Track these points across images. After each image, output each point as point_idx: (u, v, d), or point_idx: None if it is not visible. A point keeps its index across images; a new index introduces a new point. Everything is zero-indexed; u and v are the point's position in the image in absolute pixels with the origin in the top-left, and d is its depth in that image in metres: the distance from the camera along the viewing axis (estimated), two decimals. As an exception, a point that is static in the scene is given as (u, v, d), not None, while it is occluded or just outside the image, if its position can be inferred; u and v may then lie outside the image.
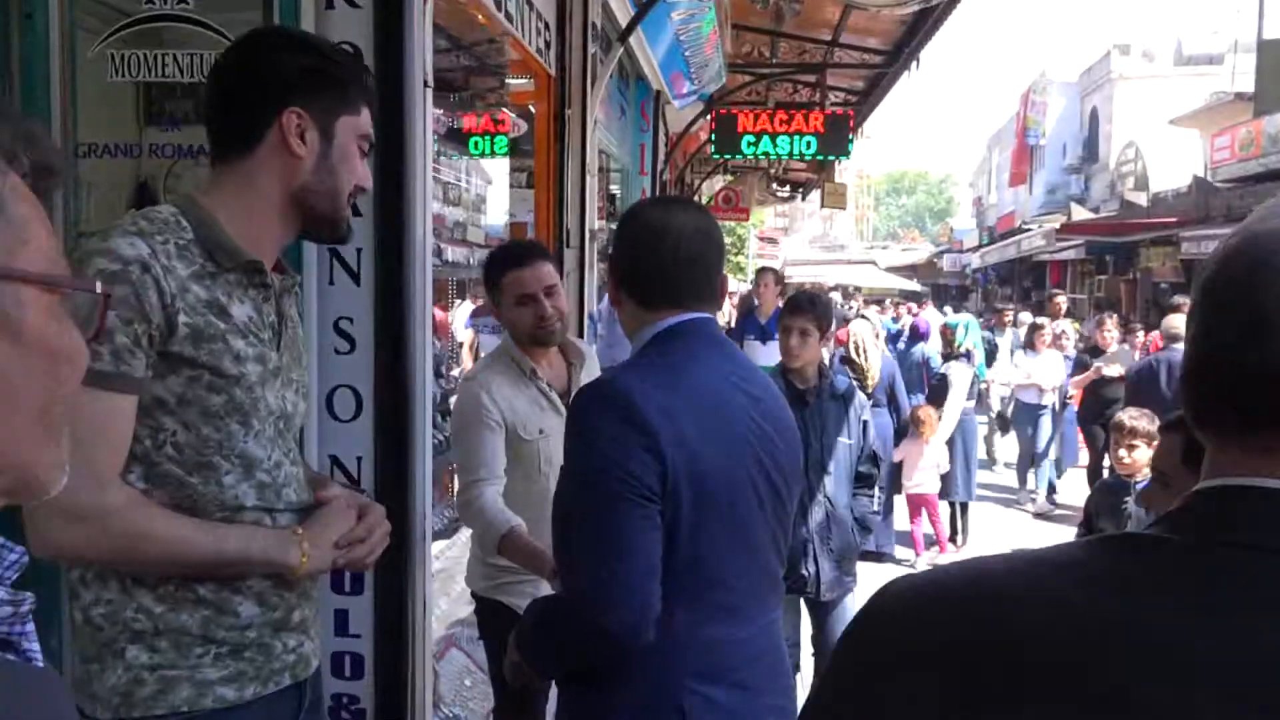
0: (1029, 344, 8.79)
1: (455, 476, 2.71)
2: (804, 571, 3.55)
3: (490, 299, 2.68)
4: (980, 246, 32.26)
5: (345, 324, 2.01)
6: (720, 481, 1.58)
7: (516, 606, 2.56)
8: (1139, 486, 3.84)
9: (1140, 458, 3.85)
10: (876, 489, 3.71)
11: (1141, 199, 18.98)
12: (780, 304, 7.00)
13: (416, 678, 2.07)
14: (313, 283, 1.99)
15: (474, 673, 3.78)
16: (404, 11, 1.95)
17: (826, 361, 4.16)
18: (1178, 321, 7.40)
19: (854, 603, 3.86)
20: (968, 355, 7.09)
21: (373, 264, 2.00)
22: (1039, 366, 8.52)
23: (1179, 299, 8.17)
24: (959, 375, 6.62)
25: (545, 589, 2.59)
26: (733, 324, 9.12)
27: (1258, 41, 16.84)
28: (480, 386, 2.56)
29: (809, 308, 3.69)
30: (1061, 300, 11.05)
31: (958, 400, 6.50)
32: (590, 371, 2.72)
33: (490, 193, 12.71)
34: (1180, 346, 7.01)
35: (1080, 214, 21.31)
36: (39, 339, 0.67)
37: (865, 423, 3.65)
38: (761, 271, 8.22)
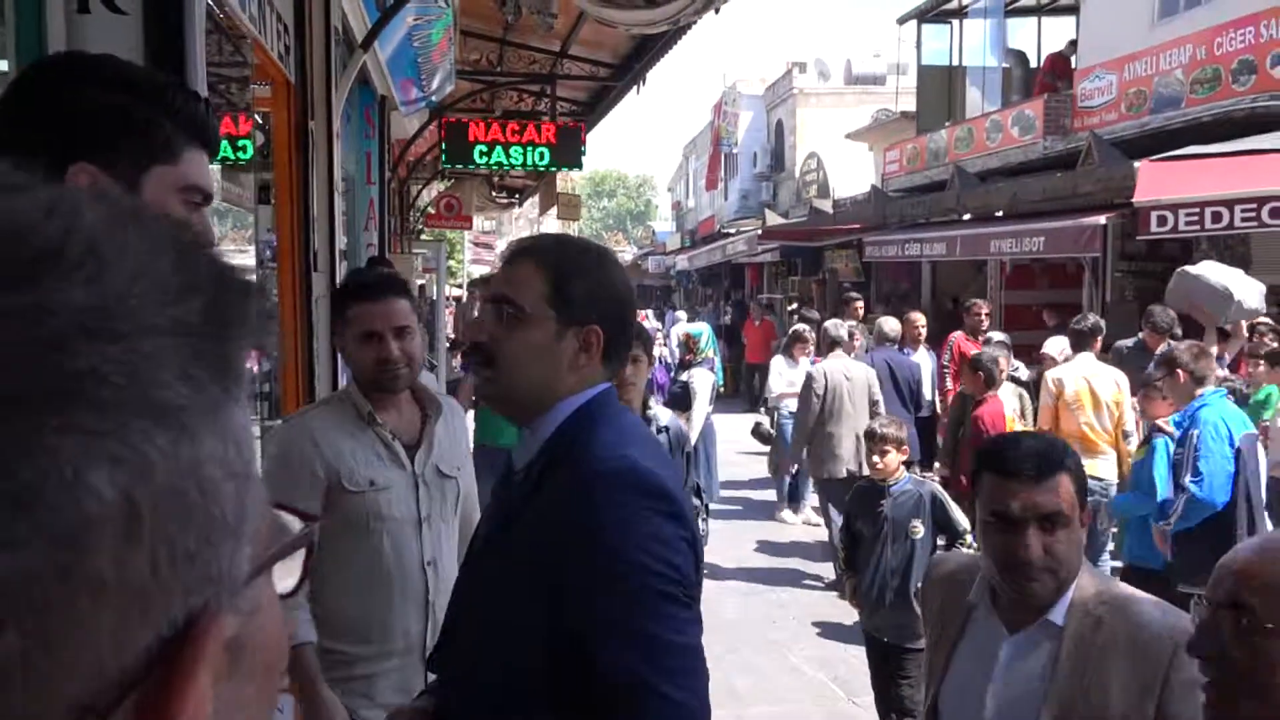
0: (788, 352, 8.52)
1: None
2: None
3: (335, 333, 2.42)
4: (682, 249, 33.85)
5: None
6: None
7: (351, 710, 2.24)
8: (893, 488, 4.13)
9: (891, 461, 4.15)
10: (700, 520, 3.71)
11: (827, 206, 20.71)
12: None
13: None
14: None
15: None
16: (184, 22, 1.64)
17: None
18: (888, 325, 8.12)
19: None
20: (707, 362, 7.37)
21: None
22: (800, 376, 8.23)
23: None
24: (702, 382, 6.85)
25: (384, 683, 2.30)
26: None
27: (918, 68, 18.89)
28: (300, 429, 2.28)
29: (634, 333, 3.57)
30: (859, 304, 10.71)
31: (702, 406, 6.72)
32: (450, 424, 2.45)
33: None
34: (893, 347, 7.74)
35: (774, 219, 22.89)
36: (267, 654, 0.42)
37: (688, 455, 3.63)
38: (477, 285, 6.39)
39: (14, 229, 0.33)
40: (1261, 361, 5.74)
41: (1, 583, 0.30)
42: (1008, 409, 6.20)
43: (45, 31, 1.58)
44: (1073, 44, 14.96)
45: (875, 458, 4.15)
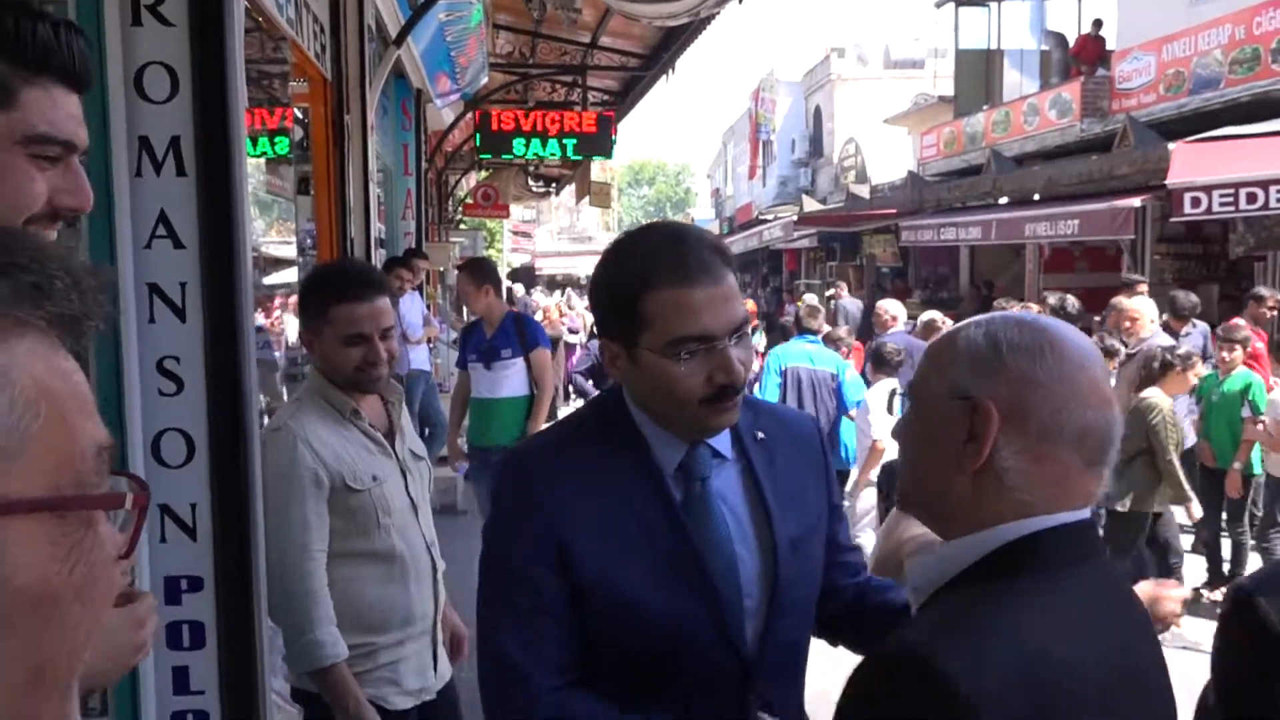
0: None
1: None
2: None
3: (307, 325, 2.35)
4: (721, 236, 33.88)
5: (170, 364, 1.88)
6: None
7: (381, 700, 2.28)
8: None
9: None
10: None
11: (864, 191, 20.68)
12: (509, 310, 5.49)
13: (264, 729, 1.98)
14: (131, 322, 1.84)
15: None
16: (225, 31, 1.84)
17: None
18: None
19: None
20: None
21: (200, 298, 1.88)
22: None
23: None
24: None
25: (406, 667, 2.36)
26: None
27: (955, 52, 18.78)
28: (294, 436, 2.22)
29: None
30: (1143, 286, 7.89)
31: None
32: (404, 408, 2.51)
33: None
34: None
35: (811, 205, 22.88)
36: (28, 587, 0.51)
37: None
38: (464, 269, 5.57)
39: None
40: (1236, 345, 5.61)
41: None
42: None
43: (104, 42, 1.79)
44: (1097, 23, 14.80)
45: None
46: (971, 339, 1.07)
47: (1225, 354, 5.58)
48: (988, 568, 1.01)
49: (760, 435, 1.48)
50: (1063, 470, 1.02)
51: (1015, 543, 1.01)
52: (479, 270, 5.36)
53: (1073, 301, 6.42)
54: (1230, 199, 8.85)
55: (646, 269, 1.34)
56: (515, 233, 27.15)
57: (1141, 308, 6.23)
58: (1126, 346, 6.05)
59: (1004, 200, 14.01)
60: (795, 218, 20.34)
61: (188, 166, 1.85)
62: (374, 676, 2.30)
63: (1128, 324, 6.18)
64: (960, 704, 0.90)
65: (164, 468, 1.89)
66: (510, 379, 5.15)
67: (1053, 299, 6.78)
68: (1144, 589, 1.50)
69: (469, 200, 14.56)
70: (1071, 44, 16.05)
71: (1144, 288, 7.35)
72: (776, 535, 1.42)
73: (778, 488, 1.46)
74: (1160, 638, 1.13)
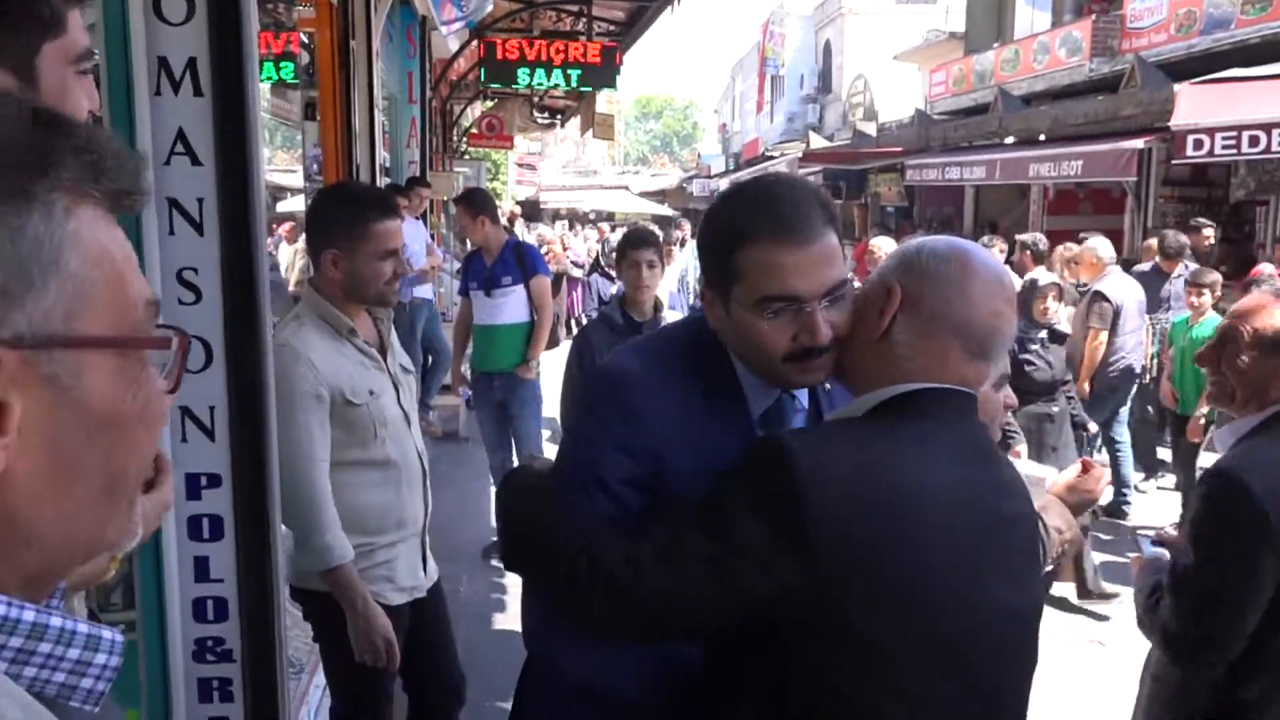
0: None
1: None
2: None
3: (335, 243, 2.40)
4: (727, 172, 33.66)
5: (189, 274, 1.99)
6: None
7: (378, 596, 2.43)
8: None
9: None
10: None
11: (871, 129, 20.51)
12: (508, 238, 5.55)
13: (278, 616, 2.14)
14: (152, 234, 1.95)
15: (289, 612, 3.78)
16: (239, -46, 1.92)
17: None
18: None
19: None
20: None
21: (216, 212, 1.99)
22: None
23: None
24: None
25: (400, 565, 2.52)
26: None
27: (968, -15, 18.48)
28: (297, 354, 2.34)
29: (653, 240, 3.96)
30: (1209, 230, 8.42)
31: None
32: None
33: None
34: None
35: (818, 142, 22.71)
36: (102, 409, 0.61)
37: None
38: (460, 200, 5.70)
39: None
40: (1205, 290, 5.65)
41: None
42: None
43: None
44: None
45: None
46: (909, 245, 1.34)
47: (1194, 298, 5.65)
48: (874, 414, 1.29)
49: (827, 386, 1.55)
50: (943, 351, 1.26)
51: (895, 396, 1.28)
52: (474, 201, 5.44)
53: (1042, 239, 6.90)
54: (1233, 142, 8.84)
55: (743, 224, 1.36)
56: (520, 165, 26.99)
57: (1095, 248, 6.30)
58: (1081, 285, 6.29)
59: (1009, 140, 13.93)
60: (801, 155, 20.19)
61: (204, 87, 1.94)
62: (372, 574, 2.47)
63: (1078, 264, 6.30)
64: (797, 480, 1.16)
65: (185, 373, 2.02)
66: (510, 305, 5.25)
67: (1026, 236, 7.23)
68: (1070, 469, 1.66)
69: (473, 130, 14.51)
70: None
71: (1210, 231, 7.55)
72: None
73: None
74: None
